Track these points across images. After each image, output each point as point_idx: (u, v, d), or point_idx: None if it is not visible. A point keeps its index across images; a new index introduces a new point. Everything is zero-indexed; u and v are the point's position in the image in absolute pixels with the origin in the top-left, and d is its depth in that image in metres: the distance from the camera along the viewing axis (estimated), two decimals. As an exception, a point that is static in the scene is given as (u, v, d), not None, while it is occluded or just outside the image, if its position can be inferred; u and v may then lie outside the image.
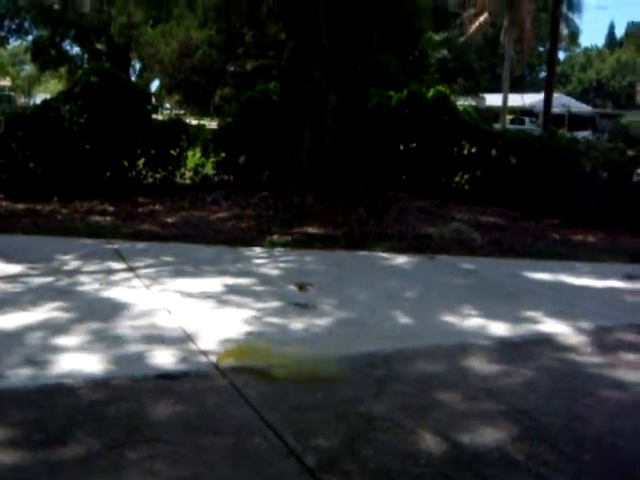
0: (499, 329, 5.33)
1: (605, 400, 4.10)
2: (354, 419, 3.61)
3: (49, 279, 6.14)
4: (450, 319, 5.54)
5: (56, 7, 44.81)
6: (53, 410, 3.60)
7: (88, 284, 6.05)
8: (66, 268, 6.64)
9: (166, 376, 4.09)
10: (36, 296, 5.55)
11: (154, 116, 13.49)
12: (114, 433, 3.38)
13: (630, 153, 11.70)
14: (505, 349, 4.87)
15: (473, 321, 5.51)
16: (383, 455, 3.27)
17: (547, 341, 5.13)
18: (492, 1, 39.79)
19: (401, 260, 7.87)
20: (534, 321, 5.57)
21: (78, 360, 4.26)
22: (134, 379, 4.03)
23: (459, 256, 8.22)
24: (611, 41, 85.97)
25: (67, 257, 7.06)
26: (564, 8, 36.99)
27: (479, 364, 4.52)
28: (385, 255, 8.06)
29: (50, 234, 8.21)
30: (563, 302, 6.19)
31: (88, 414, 3.57)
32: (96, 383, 3.95)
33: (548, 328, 5.41)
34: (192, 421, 3.54)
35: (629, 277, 7.43)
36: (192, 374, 4.15)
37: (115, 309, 5.34)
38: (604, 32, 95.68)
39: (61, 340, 4.61)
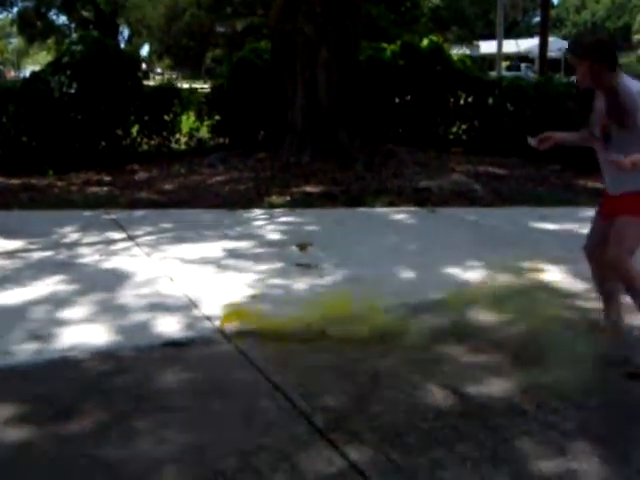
0: (501, 279, 5.32)
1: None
2: (361, 377, 3.61)
3: (49, 253, 6.12)
4: (453, 272, 5.52)
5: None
6: (60, 384, 3.60)
7: (88, 256, 6.03)
8: (65, 241, 6.61)
9: (172, 344, 4.09)
10: (37, 270, 5.52)
11: (146, 82, 13.37)
12: (122, 404, 3.38)
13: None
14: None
15: (476, 272, 5.48)
16: (391, 412, 3.27)
17: (546, 288, 5.09)
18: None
19: (401, 215, 7.84)
20: (536, 269, 5.54)
21: (83, 332, 4.25)
22: (140, 349, 4.03)
23: (460, 208, 8.18)
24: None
25: (66, 230, 7.03)
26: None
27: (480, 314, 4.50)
28: (385, 210, 8.03)
29: (47, 208, 8.18)
30: (564, 248, 6.14)
31: (95, 386, 3.57)
32: (102, 355, 3.95)
33: (550, 276, 5.39)
34: (200, 387, 3.54)
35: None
36: (197, 340, 4.14)
37: (117, 279, 5.32)
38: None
39: (64, 313, 4.60)
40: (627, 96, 3.63)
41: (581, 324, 4.34)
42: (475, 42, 44.95)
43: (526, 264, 5.64)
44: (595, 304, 4.50)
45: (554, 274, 5.44)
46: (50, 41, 49.79)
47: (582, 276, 5.28)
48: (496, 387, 3.54)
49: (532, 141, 4.23)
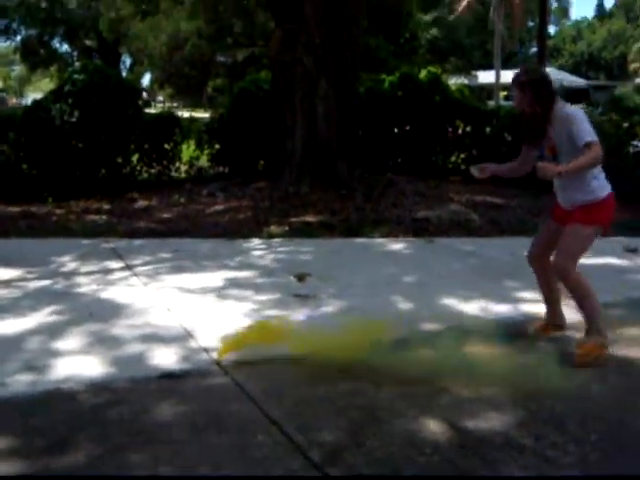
0: (500, 310, 5.32)
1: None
2: (356, 412, 3.58)
3: (46, 282, 6.10)
4: (450, 303, 5.51)
5: (44, 5, 44.60)
6: (54, 416, 3.57)
7: (86, 285, 6.02)
8: (63, 270, 6.60)
9: (168, 376, 4.06)
10: (33, 300, 5.51)
11: (147, 110, 13.43)
12: (116, 437, 3.35)
13: (625, 125, 11.63)
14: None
15: (474, 304, 5.47)
16: (388, 446, 3.25)
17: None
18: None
19: (400, 245, 7.84)
20: (534, 301, 5.52)
21: (78, 363, 4.23)
22: (135, 380, 4.00)
23: (458, 238, 8.19)
24: (601, 12, 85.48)
25: (64, 259, 7.02)
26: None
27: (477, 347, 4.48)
28: (383, 241, 8.03)
29: (46, 236, 8.17)
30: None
31: (90, 419, 3.54)
32: (97, 386, 3.92)
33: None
34: (196, 420, 3.51)
35: (629, 250, 7.41)
36: (194, 372, 4.12)
37: (114, 309, 5.30)
38: (593, 3, 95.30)
39: (60, 344, 4.58)
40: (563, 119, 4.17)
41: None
42: (473, 72, 45.29)
43: (524, 295, 5.64)
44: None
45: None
46: (53, 69, 50.20)
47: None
48: (494, 420, 3.52)
49: (474, 170, 4.73)
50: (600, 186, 4.33)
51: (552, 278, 4.63)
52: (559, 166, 4.10)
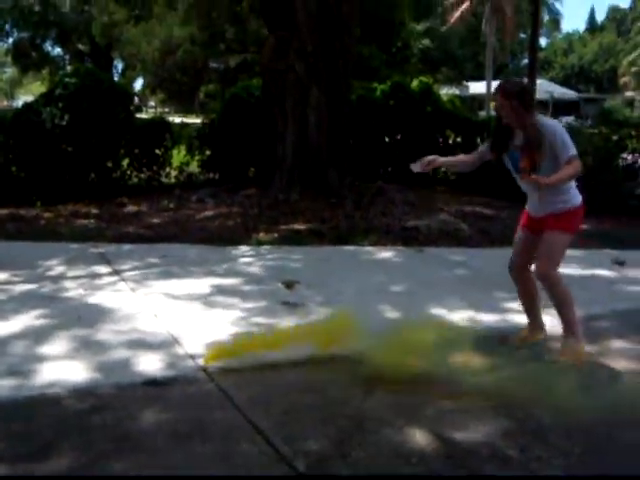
0: (488, 320, 5.32)
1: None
2: (344, 420, 3.56)
3: (33, 286, 6.06)
4: (439, 312, 5.50)
5: (37, 9, 44.51)
6: (38, 422, 3.54)
7: (73, 289, 5.98)
8: (50, 274, 6.56)
9: (153, 382, 4.04)
10: (19, 304, 5.47)
11: (139, 115, 13.39)
12: (100, 444, 3.33)
13: (614, 138, 11.68)
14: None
15: (461, 314, 5.47)
16: (374, 456, 3.23)
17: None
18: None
19: (389, 254, 7.84)
20: (522, 312, 5.52)
21: (63, 368, 4.20)
22: (120, 387, 3.97)
23: (447, 248, 8.19)
24: (592, 25, 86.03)
25: (51, 262, 6.98)
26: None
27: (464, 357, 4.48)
28: (373, 249, 8.02)
29: (34, 239, 8.11)
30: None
31: (74, 425, 3.52)
32: (81, 392, 3.89)
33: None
34: (180, 428, 3.48)
35: (617, 263, 7.43)
36: (180, 379, 4.10)
37: (100, 314, 5.27)
38: (585, 16, 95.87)
39: (46, 348, 4.55)
40: (543, 131, 4.30)
41: (564, 368, 4.32)
42: (464, 83, 45.49)
43: (512, 306, 5.63)
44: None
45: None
46: (44, 72, 50.06)
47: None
48: (480, 431, 3.51)
49: (414, 166, 4.90)
50: (575, 195, 4.50)
51: (533, 288, 4.77)
52: (544, 178, 4.24)
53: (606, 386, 4.15)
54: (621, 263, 7.45)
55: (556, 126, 4.40)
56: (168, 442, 3.35)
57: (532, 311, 4.86)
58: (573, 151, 4.25)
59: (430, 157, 4.92)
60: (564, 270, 6.91)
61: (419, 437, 3.42)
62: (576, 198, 4.49)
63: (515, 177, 4.62)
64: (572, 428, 3.54)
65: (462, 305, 5.69)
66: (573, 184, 4.49)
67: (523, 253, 4.76)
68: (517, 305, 5.55)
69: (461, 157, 5.18)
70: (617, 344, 4.88)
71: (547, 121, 4.47)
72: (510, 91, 4.39)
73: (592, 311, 5.50)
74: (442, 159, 5.02)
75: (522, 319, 5.20)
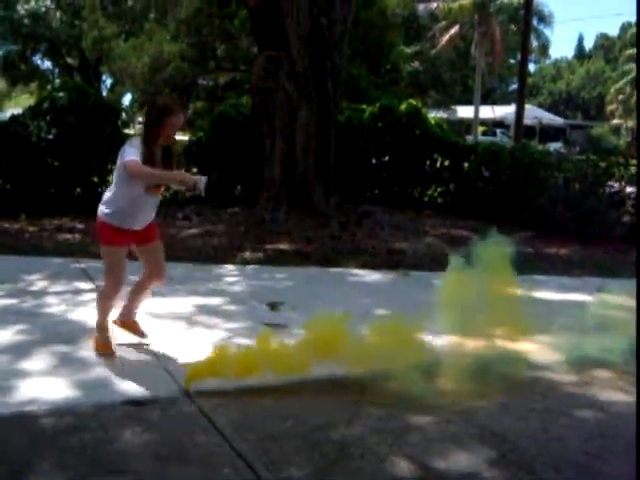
0: (471, 345, 5.28)
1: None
2: (327, 447, 3.51)
3: (14, 300, 5.99)
4: (424, 338, 5.45)
5: (27, 22, 44.45)
6: (15, 440, 3.47)
7: (54, 305, 5.92)
8: (32, 289, 6.48)
9: (133, 402, 3.98)
10: (0, 318, 5.39)
11: (126, 131, 13.34)
12: (78, 464, 3.27)
13: (602, 165, 11.75)
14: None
15: (445, 338, 5.43)
16: (356, 484, 3.19)
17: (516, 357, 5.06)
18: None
19: (374, 277, 7.81)
20: (508, 338, 5.50)
21: (43, 386, 4.14)
22: (100, 406, 3.91)
23: (433, 272, 8.16)
24: (580, 52, 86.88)
25: (33, 277, 6.90)
26: (534, 21, 37.35)
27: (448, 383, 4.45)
28: (358, 272, 7.99)
29: (17, 253, 8.03)
30: (535, 316, 6.11)
31: (51, 444, 3.45)
32: (60, 410, 3.83)
33: (521, 345, 5.36)
34: (160, 450, 3.43)
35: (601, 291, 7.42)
36: (160, 400, 4.04)
37: (82, 331, 5.20)
38: (573, 44, 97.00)
39: (25, 364, 4.49)
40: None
41: (548, 394, 4.30)
42: (453, 107, 45.73)
43: (497, 332, 5.60)
44: (565, 375, 4.49)
45: (525, 343, 5.41)
46: (33, 85, 49.90)
47: (552, 345, 5.29)
48: (464, 460, 3.47)
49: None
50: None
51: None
52: None
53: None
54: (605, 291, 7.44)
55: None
56: (148, 465, 3.29)
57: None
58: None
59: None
60: (549, 296, 6.93)
61: (403, 464, 3.38)
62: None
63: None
64: (556, 458, 3.50)
65: (447, 331, 5.64)
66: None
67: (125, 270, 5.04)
68: (501, 332, 5.55)
69: None
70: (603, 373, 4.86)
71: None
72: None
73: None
74: None
75: (508, 344, 5.20)
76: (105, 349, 4.73)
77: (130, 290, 5.10)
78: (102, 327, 4.82)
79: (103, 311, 4.81)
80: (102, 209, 4.61)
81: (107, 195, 4.63)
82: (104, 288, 4.86)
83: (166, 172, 4.55)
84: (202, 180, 4.41)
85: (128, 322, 5.05)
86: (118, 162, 4.44)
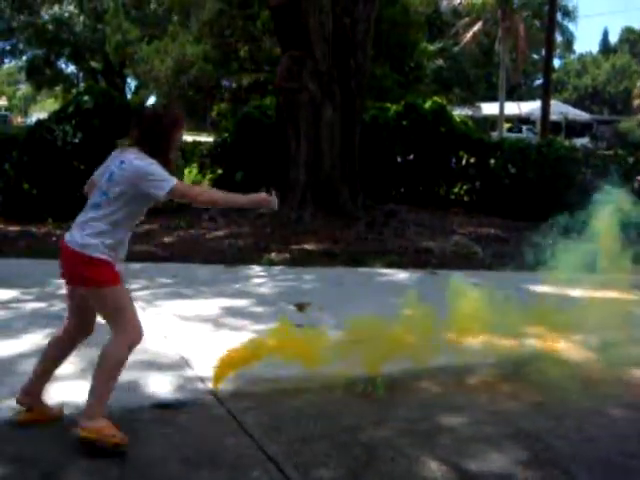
0: (504, 345, 5.21)
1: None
2: (357, 449, 3.47)
3: (42, 304, 6.02)
4: (453, 337, 5.39)
5: (51, 27, 44.89)
6: (44, 445, 3.47)
7: (82, 309, 5.91)
8: (61, 292, 6.46)
9: (162, 406, 3.96)
10: (28, 322, 5.42)
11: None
12: (108, 470, 3.25)
13: (630, 160, 11.59)
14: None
15: (476, 338, 5.36)
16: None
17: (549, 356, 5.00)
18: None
19: (402, 276, 7.75)
20: (539, 337, 5.43)
21: (70, 389, 4.14)
22: (128, 409, 3.90)
23: (461, 270, 8.08)
24: (605, 47, 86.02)
25: (61, 281, 6.87)
26: (558, 16, 37.02)
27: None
28: (385, 271, 7.94)
29: (44, 257, 8.06)
30: (567, 315, 6.02)
31: (80, 449, 3.43)
32: (89, 415, 3.81)
33: (553, 344, 5.28)
34: (189, 455, 3.40)
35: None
36: (189, 403, 4.02)
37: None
38: (598, 38, 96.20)
39: (54, 369, 4.47)
40: None
41: (585, 393, 4.22)
42: (477, 104, 45.46)
43: (528, 331, 5.52)
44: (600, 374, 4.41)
45: (558, 342, 5.33)
46: (58, 89, 50.39)
47: (587, 345, 5.21)
48: (497, 461, 3.41)
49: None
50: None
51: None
52: None
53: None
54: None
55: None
56: (177, 469, 3.26)
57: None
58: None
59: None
60: (578, 293, 6.82)
61: (434, 466, 3.32)
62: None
63: None
64: (589, 457, 3.43)
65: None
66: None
67: None
68: (533, 330, 5.48)
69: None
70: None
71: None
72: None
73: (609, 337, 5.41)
74: None
75: (538, 343, 5.12)
76: (122, 440, 3.45)
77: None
78: (104, 404, 3.60)
79: (113, 379, 3.64)
80: (94, 242, 3.55)
81: (96, 224, 3.60)
82: (114, 348, 3.67)
83: (239, 195, 3.99)
84: (274, 197, 3.98)
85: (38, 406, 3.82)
86: (131, 181, 3.56)
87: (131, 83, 53.56)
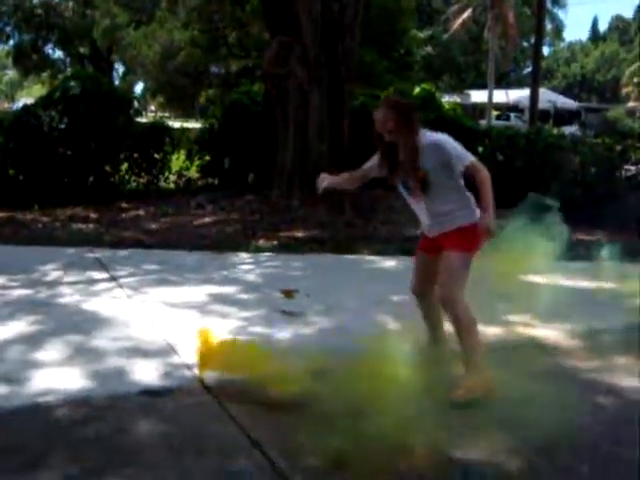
0: (491, 332, 5.22)
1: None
2: (344, 435, 3.46)
3: (28, 291, 5.98)
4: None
5: (39, 12, 44.50)
6: (29, 432, 3.45)
7: (69, 295, 5.90)
8: (46, 279, 6.48)
9: (149, 392, 3.95)
10: (14, 309, 5.39)
11: (138, 119, 13.32)
12: (94, 456, 3.24)
13: (618, 148, 11.62)
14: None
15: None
16: (374, 474, 3.14)
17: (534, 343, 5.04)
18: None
19: (389, 263, 7.75)
20: (525, 324, 5.45)
21: (57, 376, 4.12)
22: (115, 396, 3.89)
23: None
24: (595, 35, 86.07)
25: (47, 267, 6.89)
26: (548, 3, 37.01)
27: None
28: (373, 258, 7.93)
29: (30, 243, 8.04)
30: (559, 304, 6.03)
31: (66, 436, 3.43)
32: (75, 401, 3.81)
33: (539, 332, 5.30)
34: (175, 441, 3.39)
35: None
36: (175, 390, 4.01)
37: (96, 321, 5.18)
38: (587, 26, 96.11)
39: (40, 355, 4.47)
40: (429, 146, 3.98)
41: (569, 382, 4.23)
42: (466, 91, 45.49)
43: (514, 318, 5.54)
44: (587, 362, 4.43)
45: (544, 330, 5.35)
46: (45, 74, 50.01)
47: (572, 333, 5.23)
48: (482, 449, 3.42)
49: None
50: (470, 210, 4.11)
51: (434, 315, 4.38)
52: (487, 215, 3.96)
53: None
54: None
55: (441, 140, 4.05)
56: (163, 455, 3.26)
57: (434, 332, 4.44)
58: (470, 157, 3.97)
59: (324, 175, 4.64)
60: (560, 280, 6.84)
61: (420, 453, 3.33)
62: (472, 214, 4.08)
63: (405, 196, 4.28)
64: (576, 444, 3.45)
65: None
66: (469, 199, 4.11)
67: (419, 278, 4.35)
68: (519, 317, 5.50)
69: (346, 175, 4.78)
70: (622, 360, 4.79)
71: (431, 137, 4.07)
72: (396, 107, 4.04)
73: (599, 325, 5.43)
74: (330, 180, 4.64)
75: (525, 330, 5.14)
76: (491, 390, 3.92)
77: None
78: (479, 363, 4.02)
79: (477, 344, 4.06)
80: (466, 214, 4.08)
81: (455, 198, 4.08)
82: (459, 312, 4.05)
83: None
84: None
85: None
86: (452, 159, 3.95)
87: (119, 69, 53.31)
